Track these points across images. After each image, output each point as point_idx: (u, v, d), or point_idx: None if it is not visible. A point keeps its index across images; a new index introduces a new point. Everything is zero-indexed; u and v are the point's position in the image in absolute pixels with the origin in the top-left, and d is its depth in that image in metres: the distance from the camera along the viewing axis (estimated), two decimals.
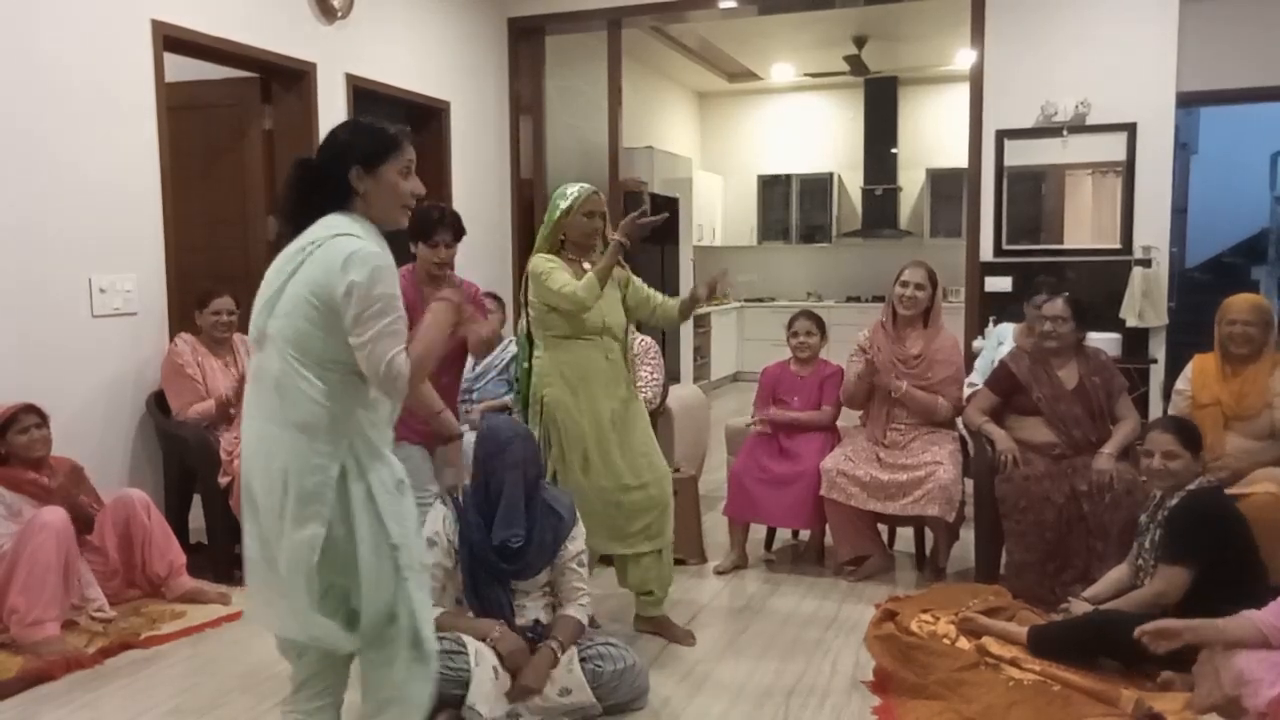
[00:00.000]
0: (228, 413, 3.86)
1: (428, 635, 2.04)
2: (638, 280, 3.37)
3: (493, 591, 2.73)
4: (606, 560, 3.40)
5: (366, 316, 1.89)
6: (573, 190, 3.18)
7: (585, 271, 3.12)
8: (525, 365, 3.26)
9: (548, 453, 3.12)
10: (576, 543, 2.82)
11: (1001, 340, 4.65)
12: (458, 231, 3.45)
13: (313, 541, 1.91)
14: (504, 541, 2.69)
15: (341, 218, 2.00)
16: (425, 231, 3.36)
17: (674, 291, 8.51)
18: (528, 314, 3.25)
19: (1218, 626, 2.54)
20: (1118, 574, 3.12)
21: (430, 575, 2.68)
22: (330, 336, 1.92)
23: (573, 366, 3.14)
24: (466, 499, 2.78)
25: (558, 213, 3.18)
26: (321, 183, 2.02)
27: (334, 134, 2.08)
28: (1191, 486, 2.94)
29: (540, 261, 3.15)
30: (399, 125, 2.12)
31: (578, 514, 2.87)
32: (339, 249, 1.91)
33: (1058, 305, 3.71)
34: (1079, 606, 3.05)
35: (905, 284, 3.93)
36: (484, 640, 2.61)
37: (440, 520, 2.75)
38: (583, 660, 2.66)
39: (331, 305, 1.90)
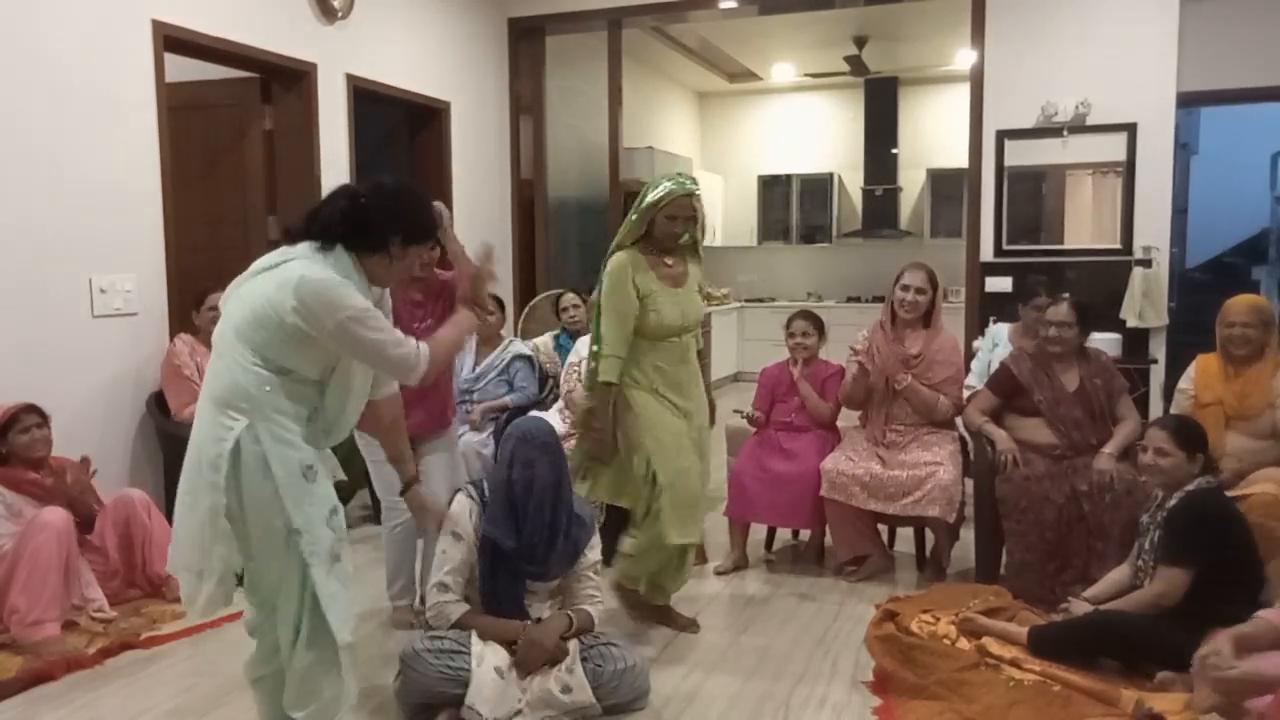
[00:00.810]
0: None
1: (336, 627, 2.13)
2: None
3: (510, 588, 2.73)
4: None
5: (351, 341, 2.11)
6: (663, 187, 3.02)
7: (669, 268, 3.09)
8: (592, 362, 3.15)
9: (618, 447, 3.10)
10: (595, 551, 2.84)
11: (997, 342, 4.65)
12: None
13: (214, 508, 2.08)
14: (528, 543, 2.69)
15: (342, 254, 2.17)
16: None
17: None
18: (599, 308, 3.12)
19: (1246, 631, 2.47)
20: (1118, 574, 3.12)
21: (456, 572, 2.70)
22: (264, 333, 2.10)
23: (651, 366, 3.11)
24: (492, 494, 2.77)
25: (643, 206, 3.04)
26: (363, 228, 2.17)
27: (390, 196, 2.23)
28: (1190, 487, 2.94)
29: (612, 268, 3.05)
30: (439, 208, 2.47)
31: (596, 524, 2.90)
32: (293, 271, 2.10)
33: (1062, 310, 3.69)
34: (1079, 607, 3.05)
35: (906, 288, 3.92)
36: (514, 641, 2.62)
37: (467, 514, 2.75)
38: (583, 660, 2.66)
39: (274, 315, 2.09)
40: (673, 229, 3.06)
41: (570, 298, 5.05)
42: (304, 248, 2.16)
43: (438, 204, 2.58)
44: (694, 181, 3.06)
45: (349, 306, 2.09)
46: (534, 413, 4.43)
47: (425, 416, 3.21)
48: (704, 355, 3.51)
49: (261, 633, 2.29)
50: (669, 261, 3.11)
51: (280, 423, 2.12)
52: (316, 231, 2.17)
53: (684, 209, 3.03)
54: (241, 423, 2.10)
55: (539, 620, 2.73)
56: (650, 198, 3.01)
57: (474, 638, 2.62)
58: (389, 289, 2.43)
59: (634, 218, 3.07)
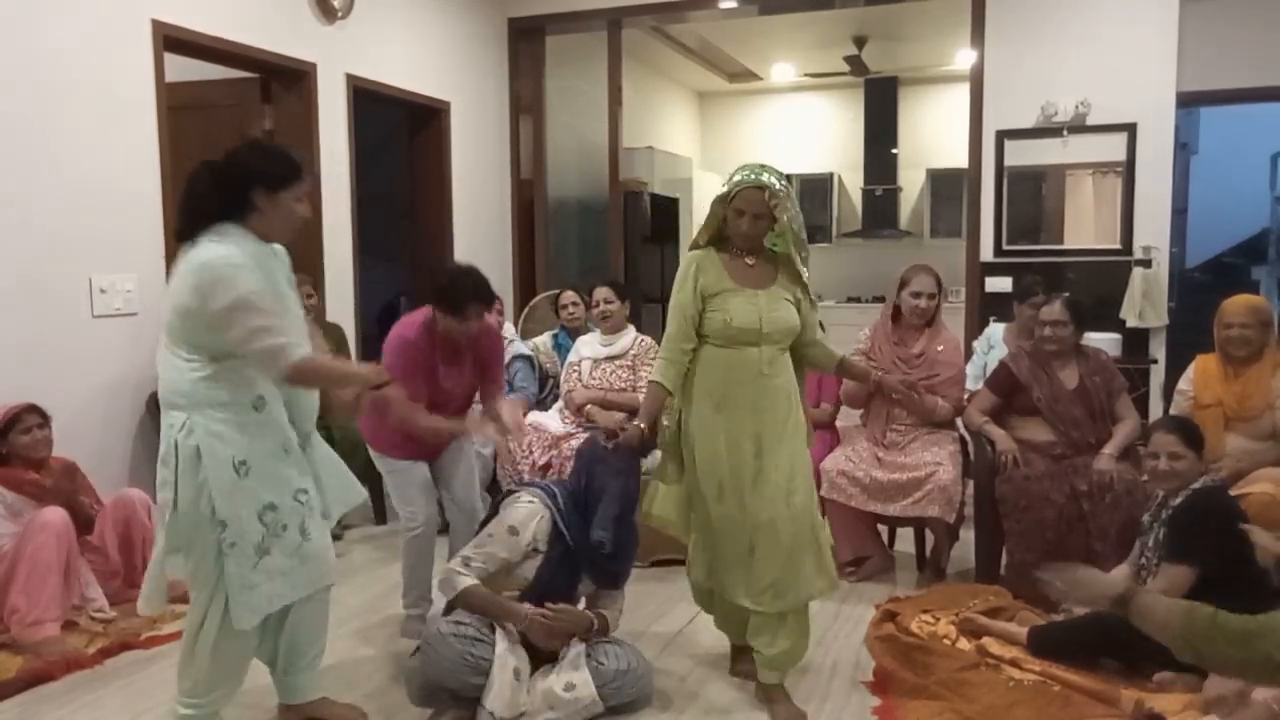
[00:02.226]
0: None
1: (236, 614, 2.27)
2: (811, 298, 2.86)
3: (562, 595, 2.75)
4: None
5: (228, 323, 2.17)
6: (736, 178, 2.71)
7: (749, 268, 2.73)
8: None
9: (685, 470, 2.80)
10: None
11: (992, 344, 4.64)
12: (487, 302, 3.14)
13: (163, 504, 2.26)
14: (597, 542, 2.73)
15: (229, 227, 2.26)
16: (457, 305, 3.06)
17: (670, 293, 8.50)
18: None
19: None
20: (1118, 574, 3.12)
21: (488, 560, 2.72)
22: (185, 322, 2.22)
23: (718, 376, 2.70)
24: (565, 499, 2.80)
25: (715, 199, 2.77)
26: (223, 191, 2.27)
27: (241, 154, 2.34)
28: (1196, 485, 2.94)
29: (681, 265, 2.81)
30: (302, 154, 2.43)
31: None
32: (195, 256, 2.21)
33: (1055, 309, 3.70)
34: (1081, 609, 3.04)
35: (917, 294, 3.90)
36: (519, 620, 2.64)
37: (535, 518, 2.75)
38: (587, 657, 2.67)
39: (185, 302, 2.20)
40: (740, 226, 2.68)
41: (569, 295, 5.05)
42: (204, 236, 2.25)
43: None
44: (773, 174, 2.67)
45: (236, 289, 2.16)
46: (534, 413, 4.44)
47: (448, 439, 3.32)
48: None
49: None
50: (750, 261, 2.75)
51: (214, 416, 2.23)
52: (198, 219, 2.27)
53: (752, 203, 2.64)
54: (180, 418, 2.24)
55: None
56: (721, 190, 2.75)
57: (499, 636, 2.63)
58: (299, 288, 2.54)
59: (709, 213, 2.80)
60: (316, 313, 4.61)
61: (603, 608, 2.84)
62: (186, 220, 2.30)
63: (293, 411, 2.42)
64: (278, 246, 2.41)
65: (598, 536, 2.72)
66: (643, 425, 2.74)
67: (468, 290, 3.06)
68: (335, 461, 2.63)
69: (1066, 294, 3.88)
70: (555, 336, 5.02)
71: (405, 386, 2.78)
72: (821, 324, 2.93)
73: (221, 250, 2.20)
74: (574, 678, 2.62)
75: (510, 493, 2.90)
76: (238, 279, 2.17)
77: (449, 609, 2.70)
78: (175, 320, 2.24)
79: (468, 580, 2.67)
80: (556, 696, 2.59)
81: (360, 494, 2.71)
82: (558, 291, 5.32)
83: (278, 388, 2.35)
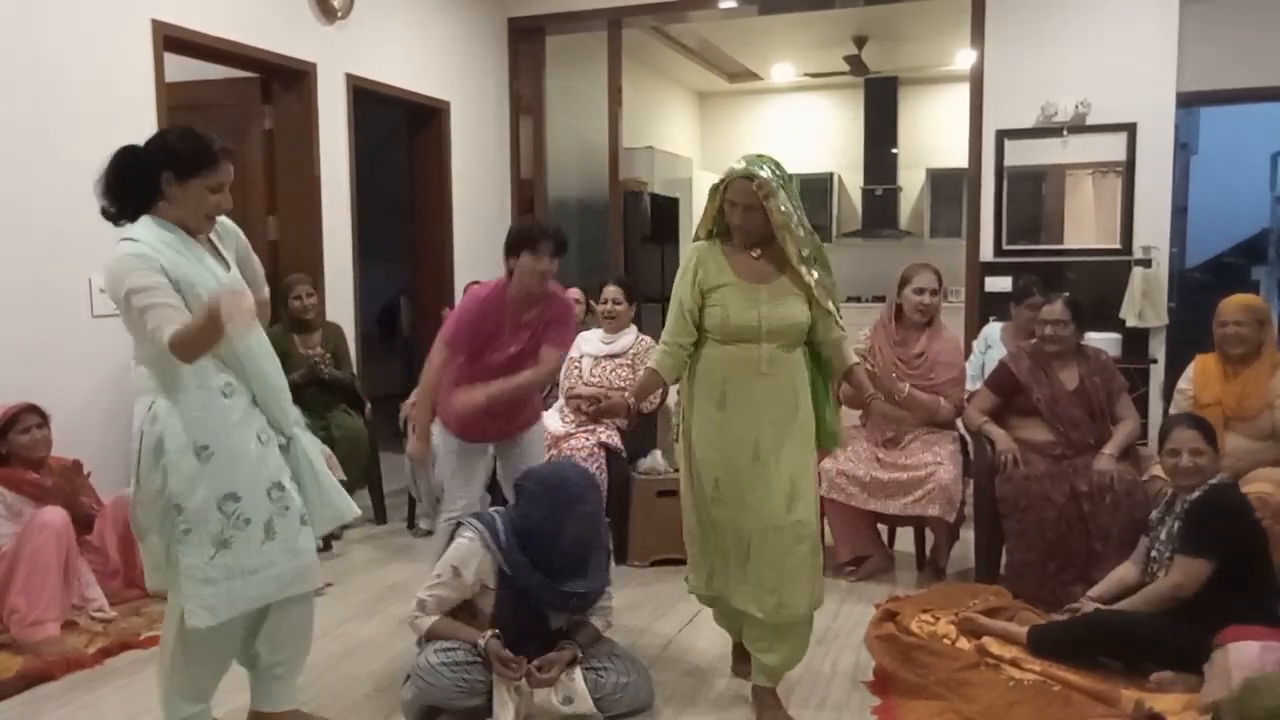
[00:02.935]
0: None
1: (187, 610, 2.20)
2: (825, 295, 2.66)
3: (530, 623, 2.68)
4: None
5: (133, 309, 2.14)
6: (731, 167, 2.64)
7: (753, 261, 2.63)
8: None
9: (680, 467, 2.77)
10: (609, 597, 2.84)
11: (990, 344, 4.64)
12: (559, 245, 3.12)
13: (132, 488, 2.25)
14: (565, 593, 2.66)
15: (145, 220, 2.26)
16: (530, 241, 3.06)
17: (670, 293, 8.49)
18: None
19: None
20: (1122, 573, 3.12)
21: (441, 602, 2.69)
22: (125, 316, 2.20)
23: (719, 374, 2.62)
24: (508, 536, 2.66)
25: (711, 192, 2.71)
26: (136, 174, 2.26)
27: (163, 135, 2.32)
28: (1214, 481, 2.95)
29: (688, 256, 2.74)
30: (224, 144, 2.31)
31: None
32: (113, 252, 2.22)
33: (1057, 308, 3.70)
34: (1089, 608, 3.04)
35: (920, 290, 3.90)
36: (474, 645, 2.60)
37: (475, 558, 2.66)
38: (586, 669, 2.65)
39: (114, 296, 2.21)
40: (733, 218, 2.61)
41: (573, 292, 5.04)
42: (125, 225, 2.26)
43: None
44: (770, 165, 2.60)
45: (130, 281, 2.15)
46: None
47: (523, 417, 3.33)
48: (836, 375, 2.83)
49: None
50: (755, 254, 2.64)
51: (179, 400, 2.19)
52: (113, 213, 2.31)
53: (742, 194, 2.55)
54: (147, 401, 2.21)
55: (556, 630, 2.73)
56: (716, 180, 2.67)
57: None
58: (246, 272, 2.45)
59: (706, 203, 2.73)
60: (316, 312, 4.60)
61: (587, 612, 2.79)
62: (102, 206, 2.34)
63: (262, 405, 2.34)
64: (229, 227, 2.40)
65: (571, 587, 2.65)
66: (630, 398, 2.74)
67: (541, 228, 3.14)
68: (321, 474, 2.47)
69: (1066, 294, 3.88)
70: None
71: (460, 343, 3.11)
72: (841, 324, 2.72)
73: (124, 247, 2.21)
74: (572, 691, 2.60)
75: (460, 523, 2.82)
76: (131, 271, 2.15)
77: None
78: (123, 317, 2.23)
79: (428, 620, 2.67)
80: (556, 710, 2.58)
81: (350, 512, 2.54)
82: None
83: (236, 376, 2.29)
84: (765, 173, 2.56)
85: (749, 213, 2.58)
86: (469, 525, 2.72)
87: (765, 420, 2.58)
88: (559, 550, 2.64)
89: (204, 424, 2.20)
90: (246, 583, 2.24)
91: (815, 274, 2.63)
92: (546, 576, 2.64)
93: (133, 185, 2.26)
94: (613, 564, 2.90)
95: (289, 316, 4.47)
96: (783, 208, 2.55)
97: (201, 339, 2.08)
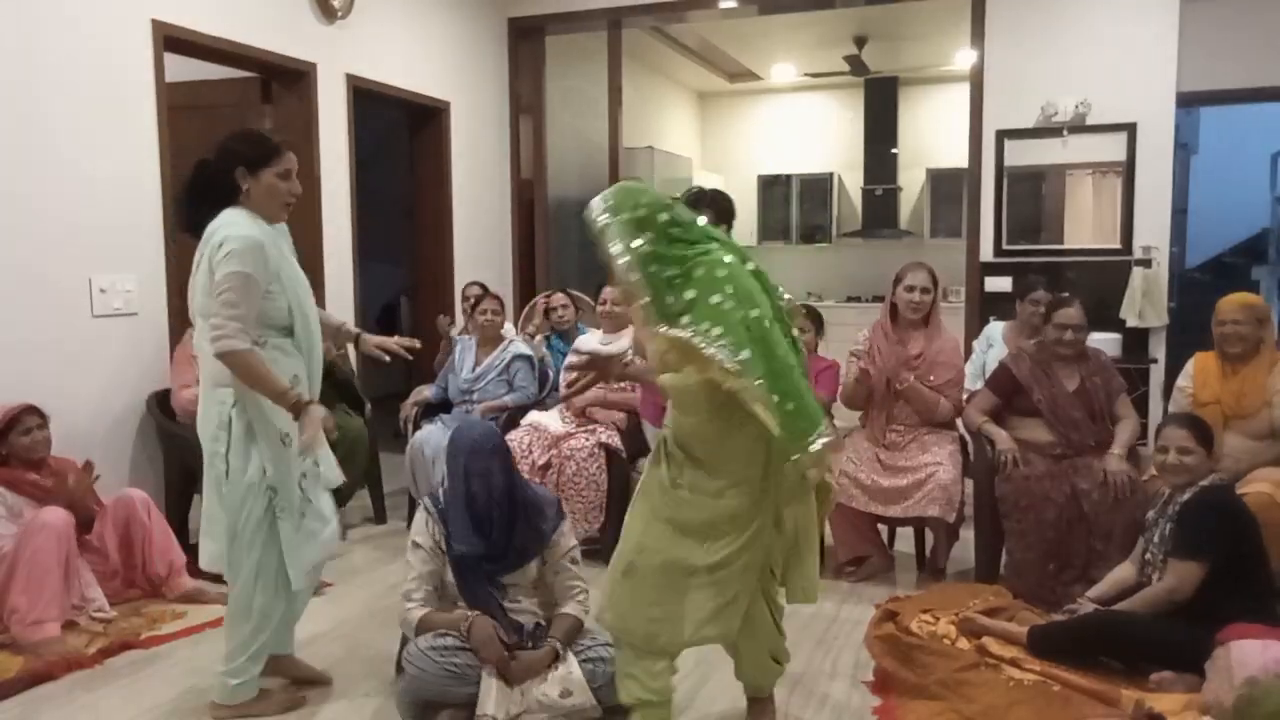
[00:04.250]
0: None
1: (293, 575, 2.59)
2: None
3: (483, 590, 2.71)
4: None
5: (216, 290, 2.39)
6: None
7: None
8: None
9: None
10: (566, 538, 2.80)
11: (991, 343, 4.63)
12: (721, 212, 2.95)
13: (218, 476, 2.50)
14: (497, 547, 2.68)
15: (230, 211, 2.49)
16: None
17: None
18: None
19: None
20: (1121, 573, 3.12)
21: (420, 579, 2.70)
22: (209, 284, 2.42)
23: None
24: (452, 509, 2.73)
25: None
26: (213, 180, 2.52)
27: (224, 141, 2.57)
28: (1205, 482, 2.94)
29: None
30: (283, 136, 2.64)
31: (564, 509, 2.87)
32: (215, 238, 2.43)
33: (1074, 313, 3.66)
34: (1087, 608, 3.04)
35: (911, 288, 3.91)
36: (458, 631, 2.60)
37: (424, 524, 2.74)
38: (582, 661, 2.65)
39: (208, 278, 2.43)
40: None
41: (559, 298, 5.06)
42: (211, 224, 2.48)
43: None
44: (615, 196, 2.25)
45: (240, 264, 2.40)
46: (533, 413, 4.44)
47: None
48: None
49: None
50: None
51: (261, 397, 2.47)
52: (198, 209, 2.53)
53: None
54: (229, 394, 2.49)
55: (536, 625, 2.72)
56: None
57: None
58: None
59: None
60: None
61: (560, 602, 2.75)
62: (186, 211, 2.57)
63: (311, 387, 2.66)
64: (281, 225, 2.64)
65: (456, 551, 2.66)
66: (631, 358, 2.63)
67: (698, 194, 3.00)
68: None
69: (1074, 294, 3.87)
70: (548, 339, 5.02)
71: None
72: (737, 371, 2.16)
73: (240, 230, 2.43)
74: (569, 682, 2.60)
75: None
76: (244, 256, 2.40)
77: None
78: (210, 303, 2.43)
79: (418, 611, 2.68)
80: (552, 701, 2.58)
81: (339, 477, 2.81)
82: (547, 294, 5.32)
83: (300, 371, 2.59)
84: (598, 210, 2.24)
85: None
86: (426, 498, 2.83)
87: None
88: (474, 513, 2.66)
89: (279, 412, 2.49)
90: (312, 544, 2.64)
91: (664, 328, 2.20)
92: (481, 539, 2.66)
93: (213, 188, 2.51)
94: (567, 523, 2.82)
95: None
96: (612, 250, 2.20)
97: (261, 390, 2.45)
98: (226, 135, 2.59)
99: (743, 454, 2.28)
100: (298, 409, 2.45)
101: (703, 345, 2.13)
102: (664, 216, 2.21)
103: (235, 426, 2.47)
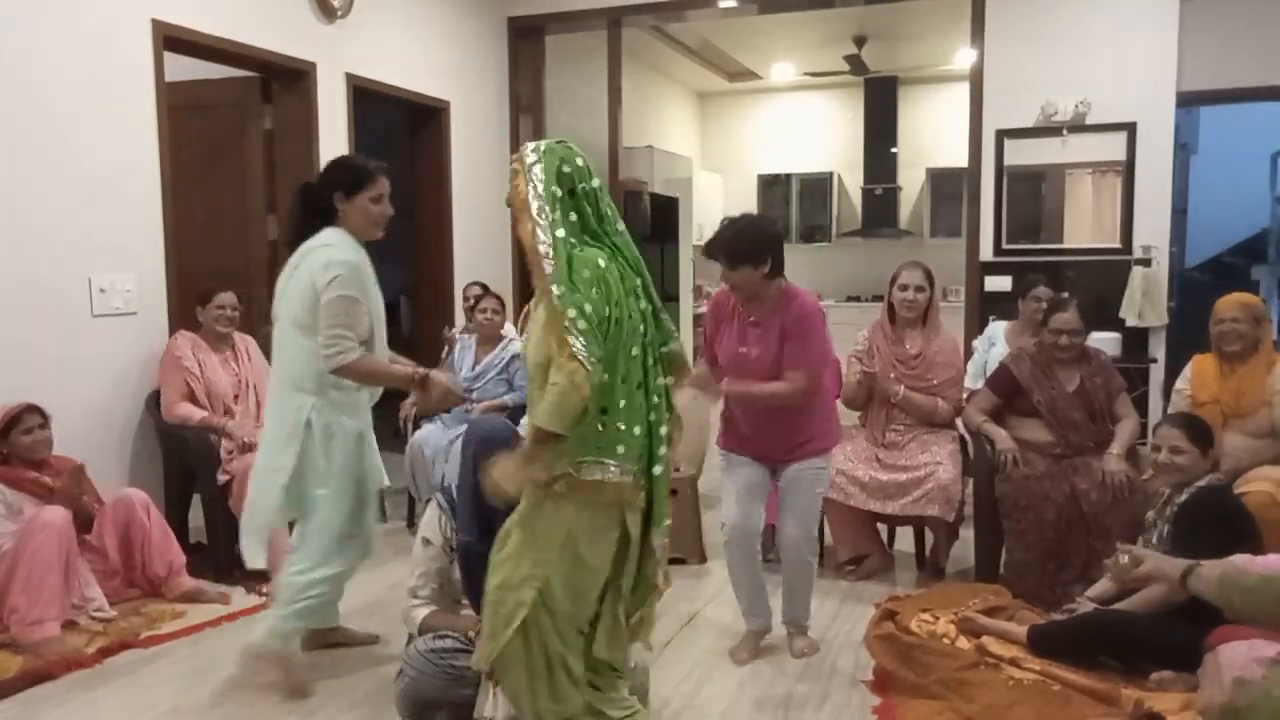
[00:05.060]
0: (211, 429, 3.87)
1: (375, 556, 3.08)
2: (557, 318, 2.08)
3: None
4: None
5: (327, 313, 2.66)
6: None
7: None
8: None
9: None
10: None
11: (993, 341, 4.63)
12: (732, 258, 2.87)
13: (293, 471, 2.74)
14: (463, 544, 2.66)
15: (329, 231, 2.77)
16: (710, 253, 2.97)
17: (674, 294, 8.51)
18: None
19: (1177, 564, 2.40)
20: None
21: (426, 576, 2.72)
22: (314, 318, 2.69)
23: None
24: (460, 500, 2.71)
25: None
26: (315, 202, 2.80)
27: (327, 166, 2.89)
28: (1201, 483, 2.94)
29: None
30: (378, 163, 2.84)
31: None
32: (321, 257, 2.70)
33: (1071, 316, 3.66)
34: (1086, 607, 3.04)
35: (905, 287, 3.92)
36: (466, 634, 2.59)
37: (437, 520, 2.74)
38: None
39: (316, 296, 2.67)
40: None
41: None
42: (314, 241, 2.75)
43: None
44: (549, 147, 2.24)
45: (344, 289, 2.67)
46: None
47: (791, 442, 3.05)
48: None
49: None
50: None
51: (336, 398, 2.76)
52: (301, 227, 2.80)
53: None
54: (310, 400, 2.74)
55: None
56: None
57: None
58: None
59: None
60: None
61: None
62: (291, 230, 2.87)
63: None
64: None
65: (462, 541, 2.65)
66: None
67: (715, 241, 2.94)
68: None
69: (1073, 295, 3.87)
70: None
71: (708, 345, 3.12)
72: (579, 361, 2.02)
73: (342, 254, 2.70)
74: None
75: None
76: (347, 282, 2.67)
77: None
78: (304, 313, 2.70)
79: (422, 610, 2.68)
80: None
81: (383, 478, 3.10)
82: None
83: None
84: (531, 156, 2.21)
85: (516, 207, 2.21)
86: (433, 496, 2.88)
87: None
88: (482, 505, 2.55)
89: (355, 417, 2.82)
90: (368, 532, 3.02)
91: (556, 288, 2.05)
92: (488, 531, 2.58)
93: (314, 210, 2.79)
94: None
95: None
96: (527, 190, 2.14)
97: (385, 382, 2.83)
98: (329, 163, 2.92)
99: None
100: (423, 383, 2.74)
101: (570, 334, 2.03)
102: (586, 187, 2.21)
103: (315, 426, 2.74)
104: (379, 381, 2.86)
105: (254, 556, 2.86)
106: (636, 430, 2.18)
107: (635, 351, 2.18)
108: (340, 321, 2.66)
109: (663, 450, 2.24)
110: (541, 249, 2.09)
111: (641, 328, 2.20)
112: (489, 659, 2.21)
